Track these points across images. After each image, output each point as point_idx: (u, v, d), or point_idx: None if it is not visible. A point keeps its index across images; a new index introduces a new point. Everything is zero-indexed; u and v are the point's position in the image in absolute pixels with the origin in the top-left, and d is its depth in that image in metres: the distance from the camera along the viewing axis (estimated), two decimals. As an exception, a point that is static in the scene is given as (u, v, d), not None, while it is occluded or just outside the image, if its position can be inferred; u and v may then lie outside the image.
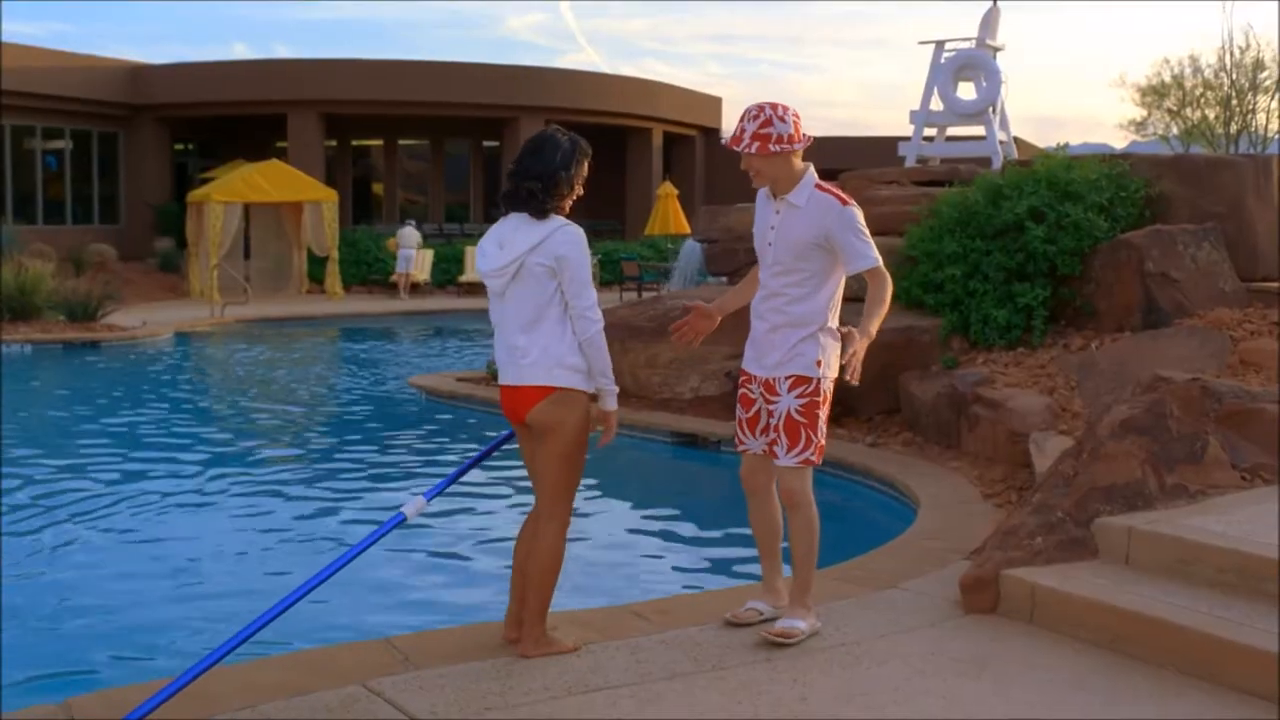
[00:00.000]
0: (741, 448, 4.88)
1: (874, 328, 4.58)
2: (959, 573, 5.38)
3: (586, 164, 4.47)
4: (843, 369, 4.55)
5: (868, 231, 4.62)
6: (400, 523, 4.38)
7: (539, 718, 3.99)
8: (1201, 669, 4.38)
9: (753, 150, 4.56)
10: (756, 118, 4.56)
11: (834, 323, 4.70)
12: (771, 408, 4.69)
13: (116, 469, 9.41)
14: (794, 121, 4.58)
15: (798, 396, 4.63)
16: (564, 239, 4.32)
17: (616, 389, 4.44)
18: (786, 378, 4.65)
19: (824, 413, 4.68)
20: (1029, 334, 9.21)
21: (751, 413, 4.81)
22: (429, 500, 4.49)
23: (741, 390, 4.87)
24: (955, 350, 9.33)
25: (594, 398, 4.47)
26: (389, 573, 6.76)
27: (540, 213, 4.35)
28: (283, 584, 6.51)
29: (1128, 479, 5.49)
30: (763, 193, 4.80)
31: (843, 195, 4.62)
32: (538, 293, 4.34)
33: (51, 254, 22.69)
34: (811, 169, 4.68)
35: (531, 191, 4.34)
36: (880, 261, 4.62)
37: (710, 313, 4.93)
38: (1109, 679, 4.40)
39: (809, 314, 4.65)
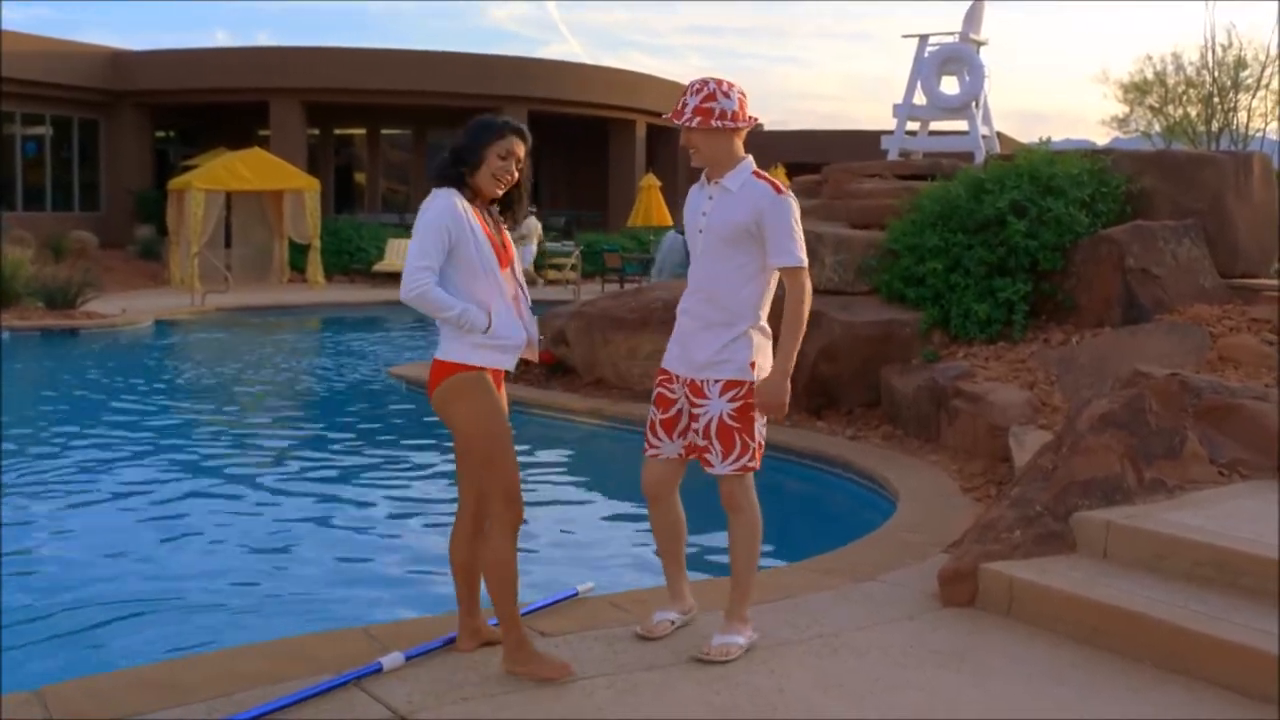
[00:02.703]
0: (652, 452, 4.59)
1: (791, 363, 4.37)
2: (938, 566, 5.39)
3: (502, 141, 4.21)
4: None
5: (800, 229, 4.41)
6: (377, 671, 4.19)
7: (515, 707, 3.98)
8: (1178, 663, 4.39)
9: (694, 124, 4.33)
10: (699, 91, 4.35)
11: (764, 321, 4.47)
12: (698, 411, 4.43)
13: (92, 457, 9.36)
14: (739, 99, 4.38)
15: (730, 400, 4.38)
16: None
17: (454, 311, 4.04)
18: (716, 381, 4.39)
19: (760, 414, 4.46)
20: (1009, 328, 9.23)
21: (670, 413, 4.54)
22: (407, 659, 4.29)
23: (659, 390, 4.58)
24: (936, 344, 9.34)
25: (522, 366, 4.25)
26: (366, 563, 6.74)
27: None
28: (260, 576, 6.50)
29: (1106, 473, 5.50)
30: (696, 186, 4.60)
31: (780, 185, 4.40)
32: None
33: (30, 240, 22.57)
34: (751, 159, 4.47)
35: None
36: (805, 263, 4.39)
37: None
38: (1086, 672, 4.41)
39: (740, 309, 4.40)
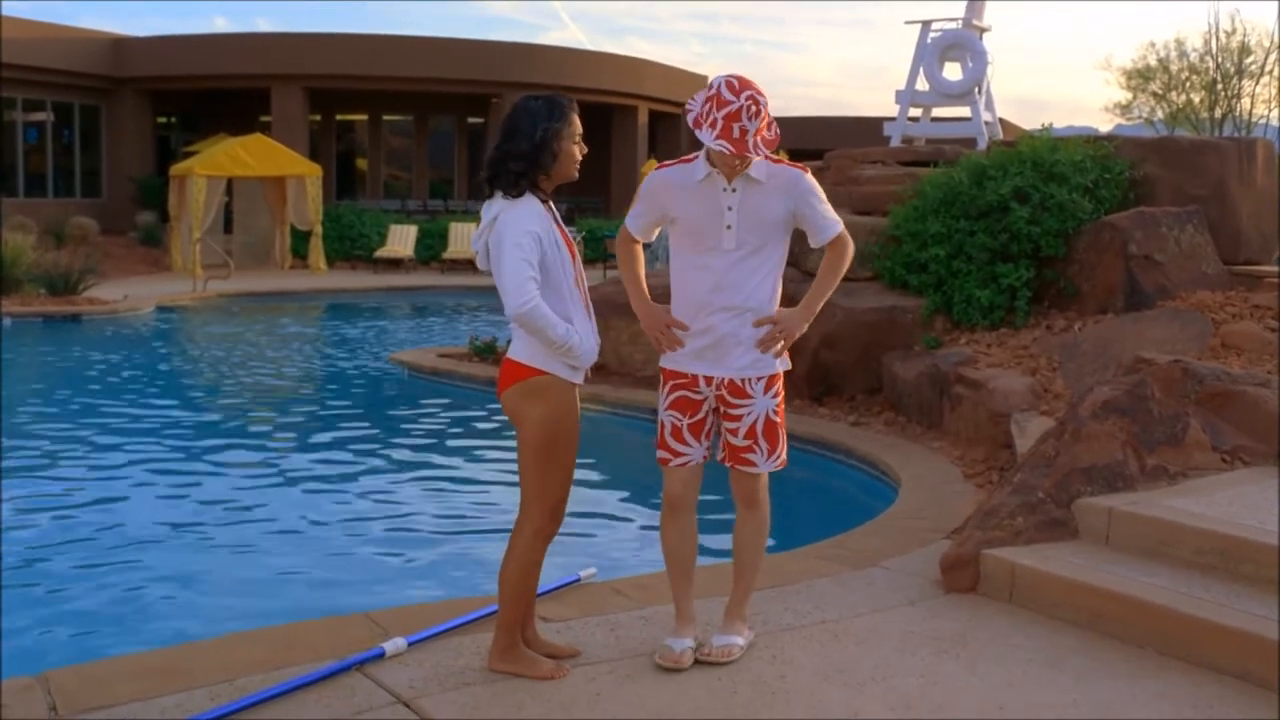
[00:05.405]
0: (679, 460, 4.30)
1: (818, 306, 4.25)
2: (940, 552, 5.39)
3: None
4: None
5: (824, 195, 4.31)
6: (379, 656, 4.20)
7: (517, 692, 3.98)
8: (1180, 649, 4.40)
9: (760, 155, 4.06)
10: (756, 115, 3.98)
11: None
12: (739, 412, 4.22)
13: (92, 443, 9.36)
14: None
15: (773, 396, 4.24)
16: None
17: (558, 331, 3.90)
18: (760, 379, 4.21)
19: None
20: (1012, 314, 9.23)
21: (699, 416, 4.27)
22: (410, 644, 4.30)
23: (681, 393, 4.27)
24: (938, 330, 9.34)
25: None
26: (367, 548, 6.75)
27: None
28: (261, 561, 6.51)
29: (1108, 460, 5.50)
30: (686, 171, 4.22)
31: (795, 164, 4.26)
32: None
33: (32, 227, 22.54)
34: None
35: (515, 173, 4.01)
36: (842, 223, 4.26)
37: (675, 319, 4.29)
38: (1088, 658, 4.41)
39: (770, 300, 4.22)
